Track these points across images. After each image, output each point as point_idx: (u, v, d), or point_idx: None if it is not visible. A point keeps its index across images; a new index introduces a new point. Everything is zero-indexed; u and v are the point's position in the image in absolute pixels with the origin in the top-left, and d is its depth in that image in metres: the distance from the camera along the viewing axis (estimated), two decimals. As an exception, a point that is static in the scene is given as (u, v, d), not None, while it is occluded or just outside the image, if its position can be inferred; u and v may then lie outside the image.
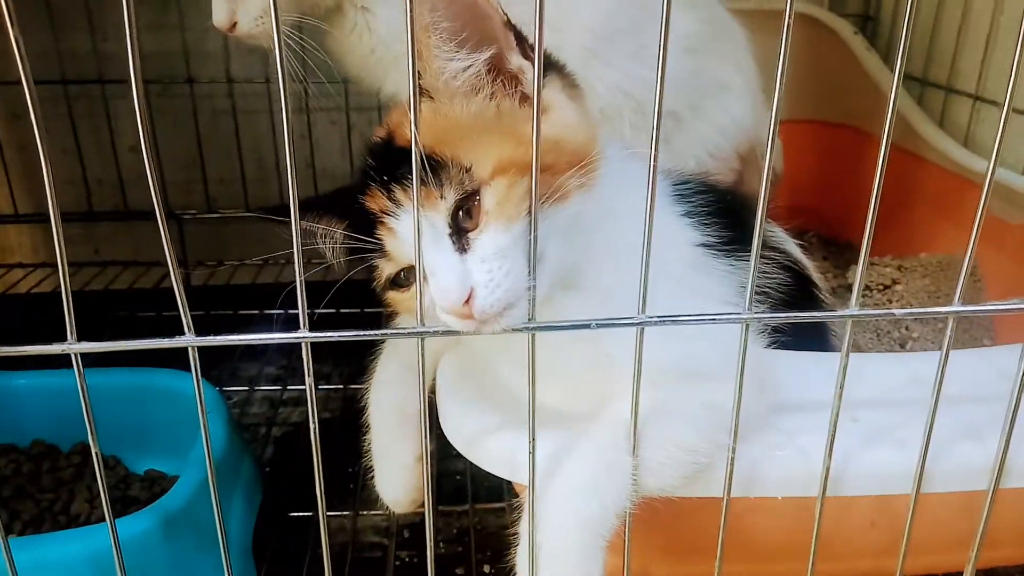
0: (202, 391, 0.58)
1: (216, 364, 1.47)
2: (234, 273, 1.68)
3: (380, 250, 0.64)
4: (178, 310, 0.56)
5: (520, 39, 0.63)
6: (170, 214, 1.67)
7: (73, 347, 0.57)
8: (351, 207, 0.66)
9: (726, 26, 1.11)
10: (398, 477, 0.77)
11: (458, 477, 1.24)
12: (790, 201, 1.54)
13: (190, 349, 0.57)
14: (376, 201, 0.64)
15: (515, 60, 0.63)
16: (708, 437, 0.62)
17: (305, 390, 0.58)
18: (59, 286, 1.67)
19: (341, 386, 1.41)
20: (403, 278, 0.66)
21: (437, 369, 0.78)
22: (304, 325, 0.57)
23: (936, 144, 1.29)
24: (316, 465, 0.61)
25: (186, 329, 0.57)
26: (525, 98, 0.64)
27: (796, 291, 0.77)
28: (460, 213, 0.60)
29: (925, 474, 0.61)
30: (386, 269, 0.66)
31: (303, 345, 0.57)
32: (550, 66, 0.67)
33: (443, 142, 0.61)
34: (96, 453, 0.60)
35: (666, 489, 0.62)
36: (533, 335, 0.56)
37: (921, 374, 0.71)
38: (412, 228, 0.53)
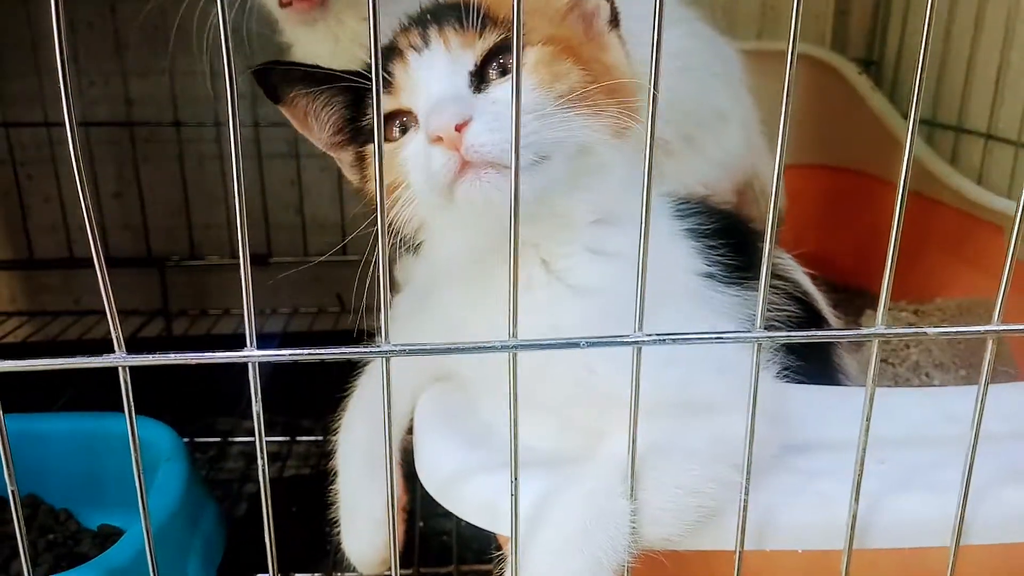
0: (134, 420, 0.51)
1: (193, 417, 1.39)
2: (216, 323, 1.61)
3: (387, 84, 0.60)
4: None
5: None
6: (152, 260, 1.62)
7: (-14, 367, 0.50)
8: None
9: (718, 48, 1.05)
10: (367, 532, 0.69)
11: (444, 537, 1.14)
12: (797, 247, 1.49)
13: (120, 370, 0.50)
14: (408, 37, 0.61)
15: None
16: (715, 476, 0.54)
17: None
18: (33, 335, 1.58)
19: (321, 438, 1.32)
20: (394, 129, 0.61)
21: (416, 408, 0.70)
22: (251, 344, 0.50)
23: (950, 183, 1.24)
24: (265, 509, 0.53)
25: (116, 347, 0.50)
26: (590, 34, 0.64)
27: (806, 324, 0.71)
28: (493, 64, 0.58)
29: (965, 523, 0.54)
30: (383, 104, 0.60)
31: (250, 366, 0.50)
32: (614, 16, 0.66)
33: (503, 5, 0.59)
34: (12, 491, 0.53)
35: (670, 539, 0.54)
36: (514, 354, 0.49)
37: (954, 410, 0.63)
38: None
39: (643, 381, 0.50)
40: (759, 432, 0.52)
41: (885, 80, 1.55)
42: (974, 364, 1.11)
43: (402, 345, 0.50)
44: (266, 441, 1.34)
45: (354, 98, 0.65)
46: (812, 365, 0.68)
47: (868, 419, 0.51)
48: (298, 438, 1.33)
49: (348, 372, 0.77)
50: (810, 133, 1.44)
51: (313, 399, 1.39)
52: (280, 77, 0.64)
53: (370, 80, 0.58)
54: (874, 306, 1.30)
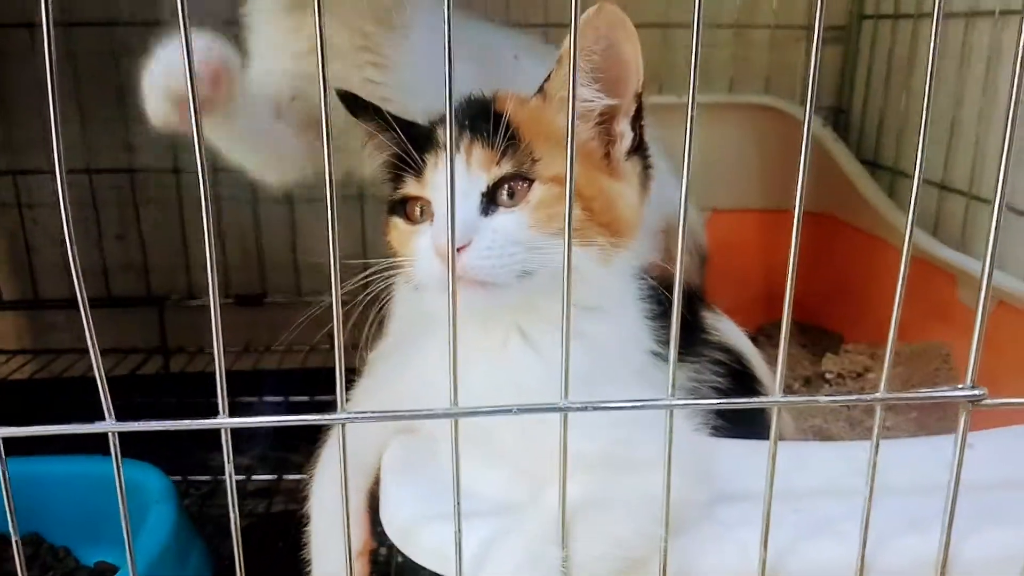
0: (122, 479, 0.57)
1: (184, 453, 1.45)
2: (212, 360, 1.68)
3: (417, 170, 0.69)
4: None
5: (639, 115, 0.70)
6: (152, 299, 1.69)
7: (-8, 432, 0.57)
8: (406, 128, 0.71)
9: None
10: (336, 574, 0.75)
11: (422, 573, 1.19)
12: (767, 289, 1.55)
13: (110, 435, 0.57)
14: (445, 132, 0.68)
15: (623, 126, 0.70)
16: (642, 531, 0.60)
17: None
18: (38, 372, 1.65)
19: (307, 477, 1.38)
20: (416, 210, 0.69)
21: (382, 459, 0.76)
22: (223, 411, 0.56)
23: (904, 232, 1.30)
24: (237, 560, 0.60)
25: (106, 414, 0.57)
26: (608, 156, 0.70)
27: (736, 391, 0.77)
28: (504, 187, 0.65)
29: (866, 569, 0.60)
30: (408, 187, 0.70)
31: (222, 432, 0.56)
32: (641, 150, 0.72)
33: (532, 129, 0.67)
34: (16, 542, 0.59)
35: (597, 584, 0.60)
36: (456, 421, 0.56)
37: (865, 464, 0.69)
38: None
39: (587, 439, 0.58)
40: (688, 491, 0.59)
41: (853, 127, 1.62)
42: (926, 406, 1.17)
43: (358, 412, 0.57)
44: (254, 479, 1.40)
45: (407, 147, 0.71)
46: (745, 426, 0.73)
47: (772, 476, 0.57)
48: (285, 476, 1.39)
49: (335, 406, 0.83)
50: (777, 180, 1.51)
51: (304, 438, 1.46)
52: (355, 100, 0.73)
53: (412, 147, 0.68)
54: (836, 349, 1.36)
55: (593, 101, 0.69)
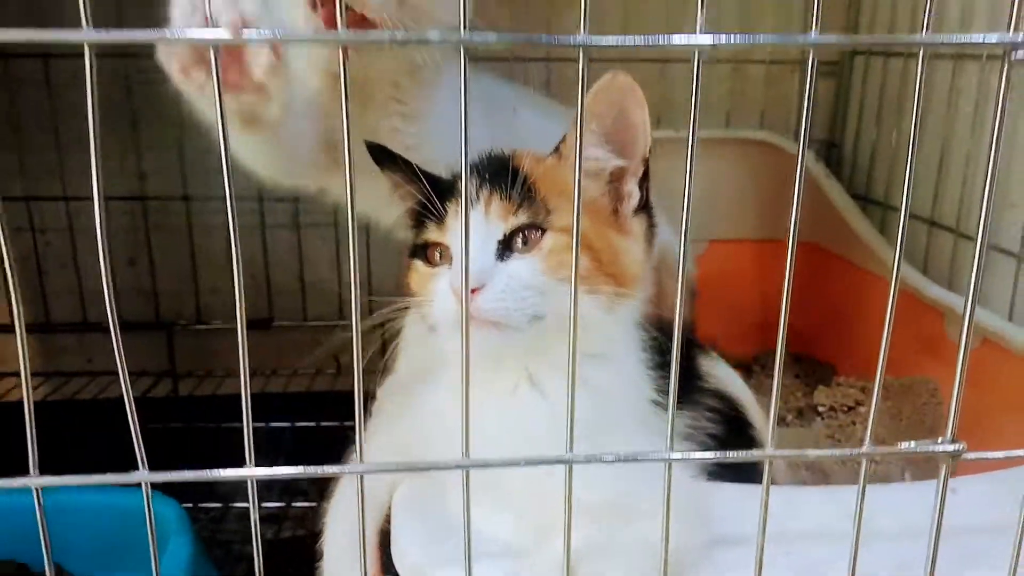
0: (153, 524, 0.61)
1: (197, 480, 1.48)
2: (220, 384, 1.72)
3: (438, 217, 0.73)
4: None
5: (646, 176, 0.74)
6: (160, 323, 1.73)
7: (34, 481, 0.60)
8: (431, 180, 0.75)
9: None
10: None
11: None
12: (762, 318, 1.59)
13: (143, 484, 0.60)
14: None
15: (631, 185, 0.74)
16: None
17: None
18: (50, 395, 1.69)
19: (315, 504, 1.42)
20: (436, 254, 0.74)
21: (393, 499, 0.80)
22: (250, 462, 0.60)
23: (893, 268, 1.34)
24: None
25: (140, 464, 0.60)
26: (617, 213, 0.74)
27: (731, 440, 0.80)
28: (519, 235, 0.70)
29: (854, 612, 0.63)
30: (430, 233, 0.74)
31: (249, 482, 0.60)
32: (647, 208, 0.77)
33: (547, 184, 0.72)
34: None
35: (598, 631, 0.64)
36: (467, 472, 0.59)
37: (855, 509, 0.73)
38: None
39: (592, 488, 0.61)
40: (687, 537, 0.63)
41: (845, 161, 1.66)
42: (917, 440, 1.20)
43: (374, 464, 0.60)
44: (263, 506, 1.43)
45: (431, 196, 0.74)
46: (739, 469, 0.77)
47: (764, 522, 0.61)
48: (294, 504, 1.42)
49: (342, 436, 0.86)
50: (772, 211, 1.55)
51: (312, 459, 1.49)
52: (383, 152, 0.78)
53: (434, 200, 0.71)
54: (829, 381, 1.40)
55: (604, 162, 0.73)
